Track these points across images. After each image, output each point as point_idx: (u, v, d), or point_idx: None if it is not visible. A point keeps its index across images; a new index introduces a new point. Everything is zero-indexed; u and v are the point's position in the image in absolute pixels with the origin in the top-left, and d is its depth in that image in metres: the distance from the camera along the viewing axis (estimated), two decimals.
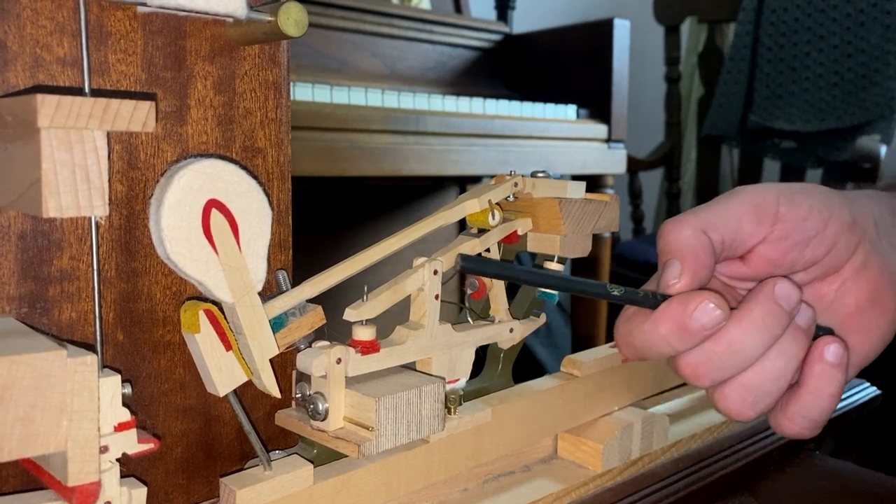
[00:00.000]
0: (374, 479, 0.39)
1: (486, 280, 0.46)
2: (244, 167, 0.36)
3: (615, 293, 0.38)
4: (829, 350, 0.39)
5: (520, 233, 0.46)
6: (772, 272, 0.42)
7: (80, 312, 0.35)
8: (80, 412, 0.29)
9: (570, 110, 1.55)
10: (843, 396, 0.65)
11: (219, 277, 0.34)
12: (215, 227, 0.34)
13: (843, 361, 0.40)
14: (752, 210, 0.40)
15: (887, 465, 0.67)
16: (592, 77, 1.59)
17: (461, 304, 0.47)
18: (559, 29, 1.68)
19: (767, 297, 0.38)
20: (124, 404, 0.32)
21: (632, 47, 1.60)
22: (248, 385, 0.37)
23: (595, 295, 0.38)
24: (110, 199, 0.35)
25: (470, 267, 0.36)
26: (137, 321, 0.36)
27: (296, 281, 0.40)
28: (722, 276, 0.44)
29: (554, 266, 0.47)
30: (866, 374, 0.46)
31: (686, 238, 0.39)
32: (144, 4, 0.33)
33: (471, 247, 0.44)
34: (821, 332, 0.42)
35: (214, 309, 0.35)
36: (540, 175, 0.47)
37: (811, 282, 0.43)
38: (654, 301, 0.38)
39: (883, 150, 1.47)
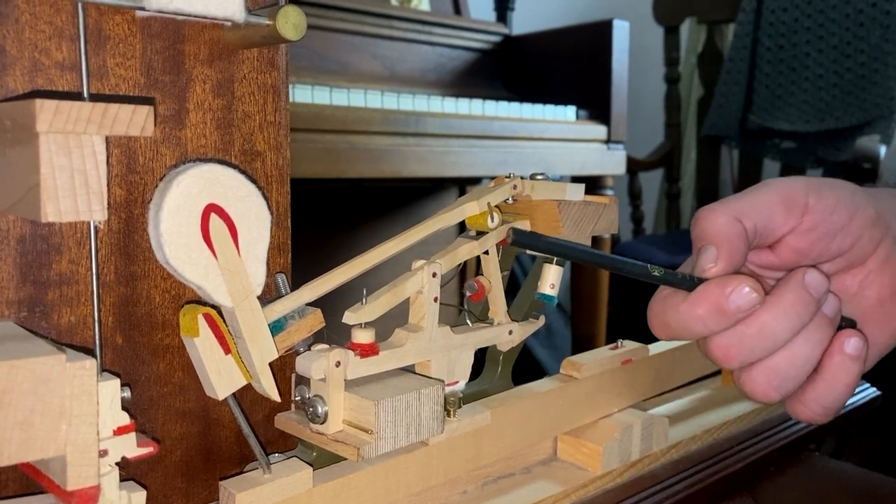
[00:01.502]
0: (374, 482, 0.39)
1: (485, 282, 0.46)
2: (243, 171, 0.36)
3: (655, 273, 0.40)
4: (850, 342, 0.41)
5: None
6: (799, 262, 0.43)
7: (79, 316, 0.35)
8: (79, 416, 0.29)
9: (569, 111, 1.55)
10: None
11: (218, 281, 0.35)
12: (214, 231, 0.34)
13: (861, 354, 0.41)
14: (783, 201, 0.42)
15: (887, 465, 0.67)
16: (592, 78, 1.59)
17: (460, 306, 0.47)
18: (558, 30, 1.68)
19: (798, 284, 0.40)
20: (123, 408, 0.32)
21: (631, 48, 1.60)
22: (248, 388, 0.37)
23: (636, 275, 0.40)
24: (109, 203, 0.35)
25: (520, 241, 0.37)
26: (136, 325, 0.36)
27: (295, 283, 0.40)
28: (751, 264, 0.46)
29: (554, 268, 0.47)
30: (867, 374, 0.47)
31: (721, 225, 0.41)
32: (143, 9, 0.33)
33: (469, 249, 0.44)
34: (844, 322, 0.43)
35: (213, 313, 0.35)
36: (539, 177, 0.47)
37: (836, 273, 0.45)
38: (692, 283, 0.40)
39: (882, 150, 1.47)
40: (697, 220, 0.42)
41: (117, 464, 0.32)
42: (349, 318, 0.38)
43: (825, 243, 0.43)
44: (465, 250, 0.44)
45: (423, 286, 0.41)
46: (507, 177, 0.46)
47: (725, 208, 0.41)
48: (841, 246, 0.43)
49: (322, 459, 0.39)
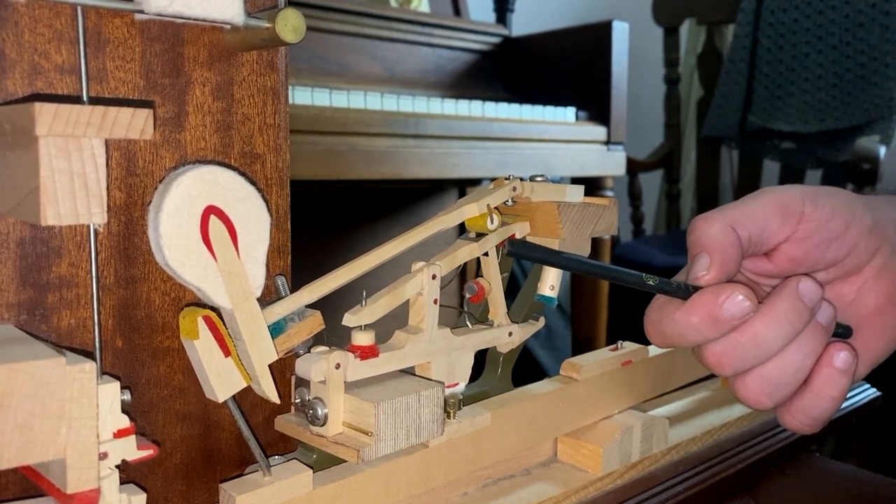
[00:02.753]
0: (374, 484, 0.39)
1: (485, 284, 0.46)
2: (243, 173, 0.36)
3: (650, 283, 0.40)
4: (839, 356, 0.41)
5: (518, 236, 0.46)
6: (794, 270, 0.43)
7: (79, 319, 0.35)
8: (79, 419, 0.29)
9: (569, 112, 1.55)
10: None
11: (217, 283, 0.35)
12: (214, 233, 0.34)
13: (850, 368, 0.41)
14: (779, 209, 0.42)
15: (888, 466, 0.67)
16: (591, 79, 1.59)
17: (460, 308, 0.47)
18: (558, 31, 1.68)
19: (791, 292, 0.40)
20: (123, 411, 0.32)
21: (631, 49, 1.60)
22: (248, 391, 0.37)
23: (631, 284, 0.40)
24: (109, 206, 0.35)
25: (516, 251, 0.37)
26: (136, 327, 0.37)
27: (295, 284, 0.40)
28: (747, 272, 0.46)
29: (553, 270, 0.47)
30: (867, 376, 0.47)
31: (715, 233, 0.41)
32: (142, 12, 0.33)
33: (469, 251, 0.44)
34: (840, 329, 0.43)
35: (213, 315, 0.35)
36: (538, 179, 0.47)
37: (832, 281, 0.45)
38: (686, 292, 0.40)
39: (882, 150, 1.47)
40: (692, 229, 0.42)
41: (117, 466, 0.32)
42: (349, 320, 0.38)
43: (821, 251, 0.43)
44: (465, 252, 0.44)
45: (422, 288, 0.41)
46: (506, 178, 0.46)
47: (720, 217, 0.41)
48: (837, 254, 0.43)
49: (322, 462, 0.39)
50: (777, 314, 0.39)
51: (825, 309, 0.41)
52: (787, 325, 0.39)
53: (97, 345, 0.34)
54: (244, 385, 0.36)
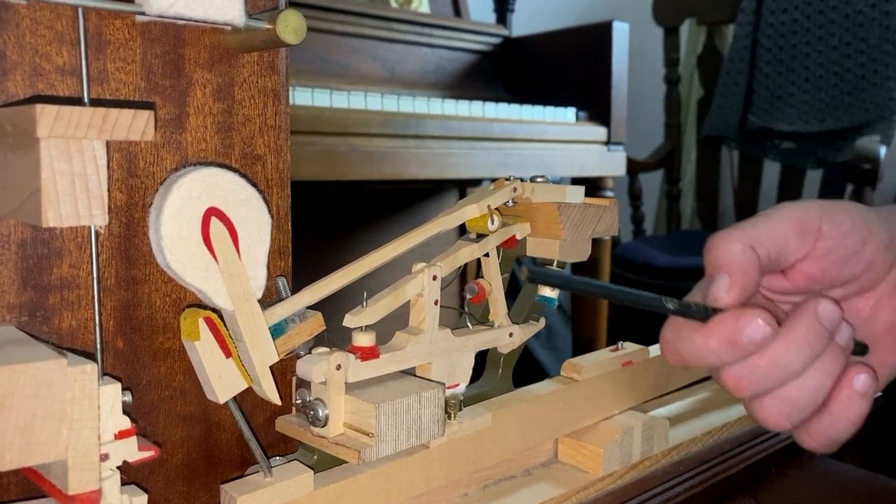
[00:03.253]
0: (375, 485, 0.40)
1: (486, 284, 0.46)
2: (243, 175, 0.36)
3: (669, 306, 0.40)
4: (860, 379, 0.41)
5: (518, 237, 0.47)
6: (811, 287, 0.43)
7: (80, 320, 0.35)
8: (80, 420, 0.29)
9: (569, 113, 1.55)
10: None
11: (218, 285, 0.35)
12: (215, 235, 0.34)
13: (869, 391, 0.41)
14: (797, 227, 0.42)
15: (888, 466, 0.67)
16: (592, 79, 1.59)
17: (461, 308, 0.47)
18: (558, 32, 1.68)
19: (811, 315, 0.39)
20: (124, 412, 0.32)
21: (631, 49, 1.60)
22: (249, 391, 0.37)
23: (650, 307, 0.40)
24: (110, 207, 0.35)
25: (535, 277, 0.37)
26: (137, 329, 0.37)
27: (296, 285, 0.40)
28: (763, 289, 0.45)
29: (554, 270, 0.47)
30: None
31: (736, 253, 0.40)
32: (143, 13, 0.33)
33: (470, 252, 0.44)
34: (857, 347, 0.42)
35: (214, 316, 0.35)
36: (539, 179, 0.47)
37: (848, 297, 0.44)
38: (705, 314, 0.40)
39: (882, 150, 1.47)
40: (711, 248, 0.41)
41: (118, 468, 0.32)
42: (350, 321, 0.39)
43: (838, 269, 0.42)
44: (466, 253, 0.44)
45: (423, 289, 0.41)
46: (507, 179, 0.46)
47: (740, 235, 0.41)
48: (854, 271, 0.42)
49: (323, 463, 0.39)
50: (796, 338, 0.39)
51: (844, 329, 0.41)
52: (807, 348, 0.39)
53: (98, 346, 0.34)
54: (245, 386, 0.36)
